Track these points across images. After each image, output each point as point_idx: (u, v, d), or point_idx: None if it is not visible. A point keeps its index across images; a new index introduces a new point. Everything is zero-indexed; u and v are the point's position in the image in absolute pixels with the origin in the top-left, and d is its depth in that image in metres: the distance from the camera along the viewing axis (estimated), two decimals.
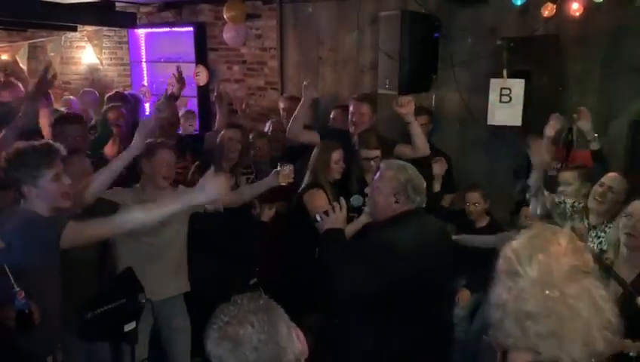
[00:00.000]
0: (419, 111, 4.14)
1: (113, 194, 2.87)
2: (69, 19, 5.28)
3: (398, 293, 2.13)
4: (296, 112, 3.92)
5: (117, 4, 5.80)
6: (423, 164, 3.87)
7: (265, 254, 3.62)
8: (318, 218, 2.33)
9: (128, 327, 2.25)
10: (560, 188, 3.24)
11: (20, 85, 4.88)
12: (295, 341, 1.26)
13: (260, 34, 5.76)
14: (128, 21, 5.57)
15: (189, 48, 6.06)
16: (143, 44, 6.48)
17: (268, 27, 5.69)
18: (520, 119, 3.71)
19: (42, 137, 3.60)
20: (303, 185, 3.46)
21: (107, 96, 5.18)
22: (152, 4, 6.21)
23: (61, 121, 3.54)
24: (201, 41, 6.06)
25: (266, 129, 4.57)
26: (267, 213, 3.60)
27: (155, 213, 2.28)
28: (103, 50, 6.70)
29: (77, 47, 6.93)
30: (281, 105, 4.99)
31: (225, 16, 5.50)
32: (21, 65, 6.56)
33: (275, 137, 4.39)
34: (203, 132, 5.25)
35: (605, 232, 2.90)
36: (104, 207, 2.61)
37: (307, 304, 2.92)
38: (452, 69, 4.56)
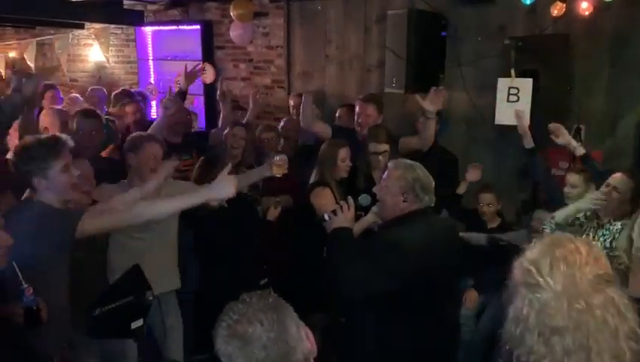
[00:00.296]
0: None
1: (100, 191, 2.85)
2: (77, 17, 5.29)
3: (404, 293, 2.12)
4: (302, 103, 4.04)
5: (124, 2, 5.81)
6: (448, 164, 3.91)
7: (271, 252, 3.62)
8: (326, 217, 2.32)
9: (135, 324, 2.25)
10: (565, 190, 3.23)
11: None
12: (304, 340, 1.26)
13: (266, 32, 5.76)
14: (136, 19, 5.59)
15: (195, 46, 6.07)
16: (149, 42, 6.49)
17: (275, 25, 5.69)
18: (528, 119, 3.68)
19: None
20: (309, 183, 3.45)
21: (114, 93, 5.19)
22: (159, 3, 6.22)
23: (78, 116, 3.57)
24: (208, 39, 6.07)
25: (279, 127, 4.60)
26: (272, 213, 3.58)
27: (172, 205, 2.31)
28: (110, 48, 6.72)
29: (84, 44, 6.95)
30: (291, 102, 5.03)
31: (232, 14, 5.49)
32: (29, 62, 6.58)
33: (286, 135, 4.39)
34: (209, 130, 5.26)
35: (609, 230, 2.90)
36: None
37: (313, 303, 2.92)
38: (459, 68, 4.54)
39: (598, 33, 4.11)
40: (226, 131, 3.96)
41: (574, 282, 1.11)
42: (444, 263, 2.23)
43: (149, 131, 3.55)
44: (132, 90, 5.69)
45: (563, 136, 3.35)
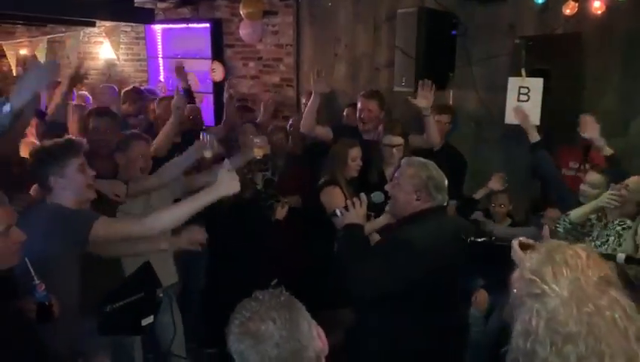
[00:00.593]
0: (442, 109, 4.14)
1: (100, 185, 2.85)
2: (89, 15, 5.31)
3: (413, 292, 2.12)
4: (307, 107, 3.96)
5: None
6: (457, 166, 3.91)
7: (281, 252, 3.62)
8: (338, 212, 2.31)
9: (146, 321, 2.26)
10: (583, 188, 3.18)
11: None
12: (316, 338, 1.26)
13: (276, 30, 5.77)
14: (147, 17, 5.60)
15: (205, 44, 6.09)
16: (159, 40, 6.52)
17: (284, 24, 5.70)
18: (538, 118, 3.67)
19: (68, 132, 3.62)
20: (319, 182, 3.45)
21: (124, 91, 5.21)
22: (169, 1, 6.25)
23: (92, 115, 3.57)
24: (218, 37, 6.08)
25: (288, 125, 4.61)
26: (280, 212, 3.54)
27: (181, 212, 2.30)
28: (120, 46, 6.74)
29: (95, 42, 6.99)
30: (303, 100, 5.04)
31: (241, 13, 5.51)
32: (40, 60, 6.62)
33: (295, 134, 4.40)
34: None
35: (611, 229, 2.88)
36: (103, 206, 2.62)
37: (321, 301, 2.91)
38: (469, 67, 4.53)
39: (610, 33, 4.08)
40: (240, 127, 3.96)
41: (580, 286, 1.09)
42: (454, 263, 2.23)
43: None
44: (142, 87, 5.72)
45: (592, 131, 3.22)
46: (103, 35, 6.41)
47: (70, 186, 2.28)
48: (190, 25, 6.22)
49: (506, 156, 4.54)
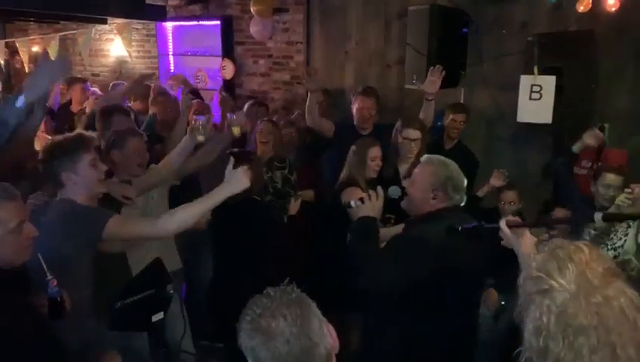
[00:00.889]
0: (457, 109, 4.12)
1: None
2: (100, 12, 5.34)
3: (424, 291, 2.09)
4: (307, 102, 4.00)
5: None
6: (468, 165, 3.88)
7: (291, 249, 3.59)
8: (353, 204, 2.27)
9: (156, 318, 2.26)
10: (600, 190, 3.12)
11: None
12: (327, 336, 1.25)
13: (286, 28, 5.76)
14: (158, 14, 5.62)
15: (215, 42, 6.09)
16: (170, 37, 6.54)
17: (295, 21, 5.69)
18: (550, 117, 3.65)
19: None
20: (338, 183, 3.39)
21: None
22: None
23: (106, 113, 3.55)
24: (228, 34, 6.08)
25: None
26: (294, 205, 3.48)
27: (194, 212, 2.29)
28: (132, 43, 6.78)
29: (106, 39, 7.01)
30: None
31: (252, 10, 5.50)
32: (52, 57, 6.66)
33: (303, 128, 4.40)
34: None
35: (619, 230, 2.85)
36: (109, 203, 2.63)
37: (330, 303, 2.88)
38: (481, 65, 4.50)
39: (625, 30, 4.04)
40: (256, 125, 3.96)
41: (587, 279, 1.10)
42: (468, 264, 2.17)
43: None
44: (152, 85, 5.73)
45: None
46: (114, 32, 6.44)
47: (82, 182, 2.29)
48: (201, 22, 6.23)
49: (518, 155, 4.51)
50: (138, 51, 6.91)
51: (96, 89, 6.01)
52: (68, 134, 2.40)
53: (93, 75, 7.16)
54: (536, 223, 1.99)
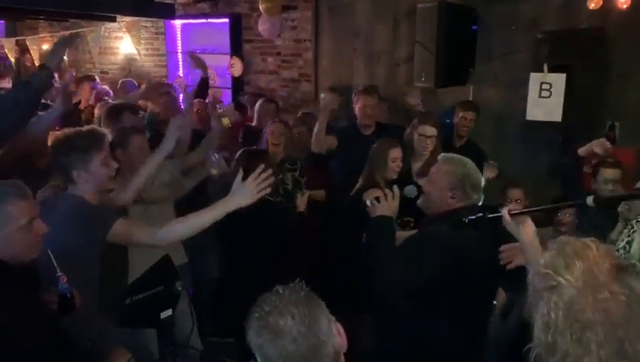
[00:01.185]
0: (467, 107, 4.08)
1: None
2: (109, 10, 5.37)
3: (439, 291, 2.07)
4: (317, 126, 3.79)
5: None
6: (476, 161, 3.87)
7: (304, 249, 3.58)
8: (369, 203, 2.25)
9: (165, 314, 2.28)
10: (599, 186, 3.11)
11: (56, 75, 4.97)
12: (335, 335, 1.25)
13: (295, 25, 5.76)
14: (167, 12, 5.65)
15: (224, 40, 6.12)
16: (179, 35, 6.56)
17: (303, 19, 5.69)
18: (560, 115, 3.62)
19: None
20: (357, 185, 3.32)
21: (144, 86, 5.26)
22: None
23: (114, 111, 3.55)
24: (237, 32, 6.10)
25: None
26: (301, 201, 3.39)
27: (196, 224, 2.26)
28: (141, 41, 6.81)
29: (115, 37, 7.06)
30: (322, 95, 5.00)
31: (260, 8, 5.51)
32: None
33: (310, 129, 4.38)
34: None
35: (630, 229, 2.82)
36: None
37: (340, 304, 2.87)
38: (490, 63, 4.48)
39: (635, 28, 4.00)
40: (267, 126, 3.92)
41: (593, 274, 1.12)
42: (483, 265, 2.14)
43: None
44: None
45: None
46: (124, 30, 6.47)
47: (93, 180, 2.28)
48: (209, 20, 6.26)
49: (527, 152, 4.48)
50: (147, 49, 6.94)
51: (105, 86, 6.05)
52: (80, 129, 2.35)
53: (102, 72, 7.21)
54: (537, 210, 1.99)
